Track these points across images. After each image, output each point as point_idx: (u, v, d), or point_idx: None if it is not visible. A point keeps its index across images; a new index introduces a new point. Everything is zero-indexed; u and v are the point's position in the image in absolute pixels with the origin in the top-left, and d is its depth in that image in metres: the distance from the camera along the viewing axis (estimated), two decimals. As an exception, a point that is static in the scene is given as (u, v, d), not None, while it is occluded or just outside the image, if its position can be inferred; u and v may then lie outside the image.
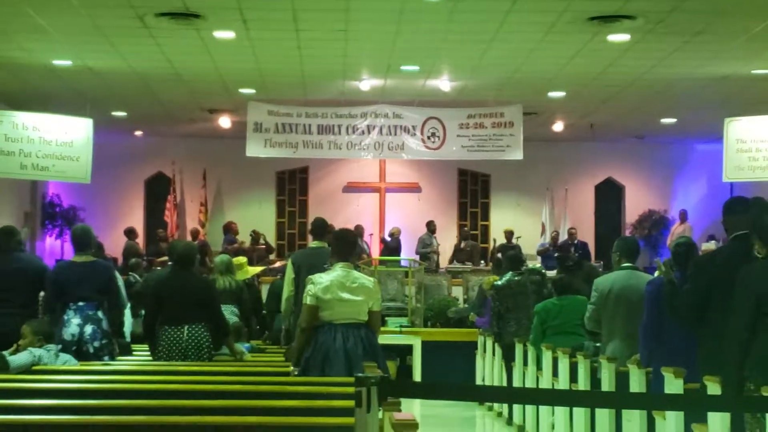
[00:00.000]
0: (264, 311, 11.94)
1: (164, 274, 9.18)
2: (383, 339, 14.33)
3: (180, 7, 11.88)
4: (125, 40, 13.51)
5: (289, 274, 9.17)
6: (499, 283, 11.56)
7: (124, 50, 14.10)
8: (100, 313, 8.23)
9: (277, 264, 19.05)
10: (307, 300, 7.06)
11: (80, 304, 8.17)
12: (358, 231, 19.89)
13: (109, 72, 15.45)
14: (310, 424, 5.05)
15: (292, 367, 7.13)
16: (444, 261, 20.55)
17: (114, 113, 19.09)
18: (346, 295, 7.05)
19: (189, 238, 20.05)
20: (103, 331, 8.17)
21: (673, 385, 6.31)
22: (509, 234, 20.45)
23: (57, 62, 14.88)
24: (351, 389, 5.05)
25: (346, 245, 7.41)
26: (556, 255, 18.83)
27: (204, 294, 8.28)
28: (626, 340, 8.11)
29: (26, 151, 15.50)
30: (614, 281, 8.37)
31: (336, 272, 7.15)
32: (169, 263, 9.61)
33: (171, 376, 6.85)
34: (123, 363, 8.07)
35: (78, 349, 7.95)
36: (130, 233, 19.63)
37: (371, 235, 20.96)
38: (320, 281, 7.09)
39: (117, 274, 9.41)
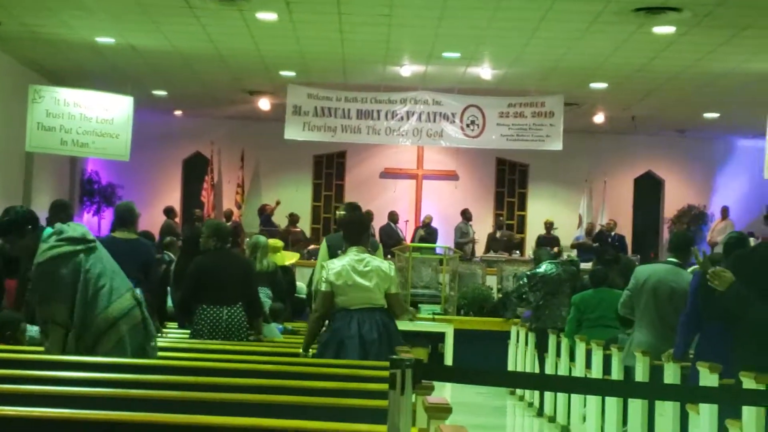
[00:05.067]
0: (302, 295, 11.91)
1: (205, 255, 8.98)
2: (415, 326, 14.40)
3: (224, -13, 11.91)
4: (169, 19, 13.56)
5: (324, 256, 9.03)
6: (536, 271, 11.55)
7: (167, 29, 14.15)
8: (137, 291, 8.21)
9: (312, 247, 19.10)
10: (322, 286, 7.00)
11: None
12: (393, 218, 19.90)
13: (151, 51, 15.53)
14: (342, 405, 5.04)
15: (300, 353, 7.04)
16: (479, 250, 20.50)
17: (154, 92, 19.19)
18: (359, 280, 6.94)
19: (223, 219, 20.13)
20: None
21: (708, 379, 6.26)
22: (549, 225, 20.38)
23: (100, 39, 14.97)
24: (384, 372, 5.05)
25: (356, 229, 7.31)
26: (594, 246, 18.73)
27: (245, 275, 8.27)
28: (652, 332, 8.06)
29: (67, 127, 15.61)
30: (652, 273, 8.31)
31: (348, 257, 7.05)
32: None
33: (204, 353, 6.87)
34: (159, 340, 8.08)
35: None
36: (169, 212, 19.73)
37: (407, 221, 20.94)
38: (332, 267, 7.00)
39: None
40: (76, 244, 5.97)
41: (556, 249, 18.21)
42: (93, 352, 5.91)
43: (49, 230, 6.10)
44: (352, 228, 7.33)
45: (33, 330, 7.05)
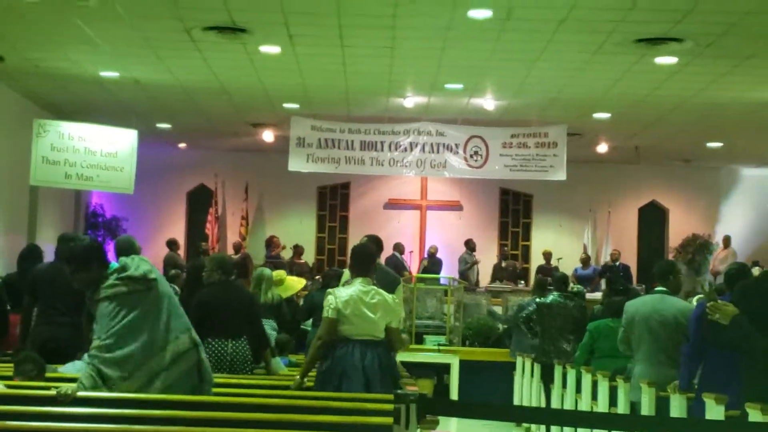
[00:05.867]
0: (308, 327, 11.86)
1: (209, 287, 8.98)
2: (421, 357, 14.37)
3: (227, 22, 11.94)
4: (172, 53, 13.61)
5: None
6: (544, 301, 11.50)
7: (171, 63, 14.19)
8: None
9: (317, 278, 19.07)
10: (328, 313, 6.97)
11: None
12: (399, 248, 19.88)
13: (155, 84, 15.57)
14: (346, 440, 5.02)
15: (296, 379, 6.97)
16: (483, 279, 20.47)
17: (159, 125, 19.23)
18: (365, 312, 6.92)
19: (231, 250, 20.13)
20: None
21: (714, 410, 6.21)
22: (548, 255, 20.36)
23: (104, 73, 15.01)
24: (389, 406, 5.02)
25: (365, 260, 7.29)
26: (606, 277, 18.71)
27: (248, 308, 8.25)
28: (652, 363, 8.02)
29: (71, 160, 15.64)
30: (641, 305, 8.29)
31: (355, 287, 7.04)
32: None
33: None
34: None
35: None
36: (172, 245, 19.74)
37: (411, 252, 20.93)
38: (340, 295, 6.98)
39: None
40: (135, 284, 5.90)
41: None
42: (144, 392, 5.82)
43: (114, 265, 6.04)
44: (361, 259, 7.31)
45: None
